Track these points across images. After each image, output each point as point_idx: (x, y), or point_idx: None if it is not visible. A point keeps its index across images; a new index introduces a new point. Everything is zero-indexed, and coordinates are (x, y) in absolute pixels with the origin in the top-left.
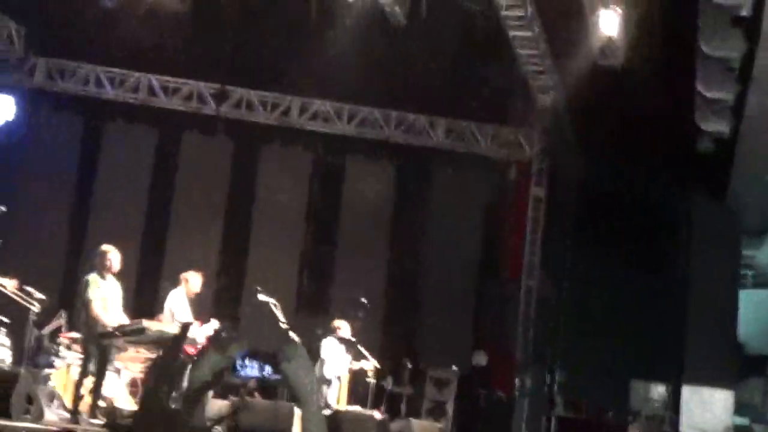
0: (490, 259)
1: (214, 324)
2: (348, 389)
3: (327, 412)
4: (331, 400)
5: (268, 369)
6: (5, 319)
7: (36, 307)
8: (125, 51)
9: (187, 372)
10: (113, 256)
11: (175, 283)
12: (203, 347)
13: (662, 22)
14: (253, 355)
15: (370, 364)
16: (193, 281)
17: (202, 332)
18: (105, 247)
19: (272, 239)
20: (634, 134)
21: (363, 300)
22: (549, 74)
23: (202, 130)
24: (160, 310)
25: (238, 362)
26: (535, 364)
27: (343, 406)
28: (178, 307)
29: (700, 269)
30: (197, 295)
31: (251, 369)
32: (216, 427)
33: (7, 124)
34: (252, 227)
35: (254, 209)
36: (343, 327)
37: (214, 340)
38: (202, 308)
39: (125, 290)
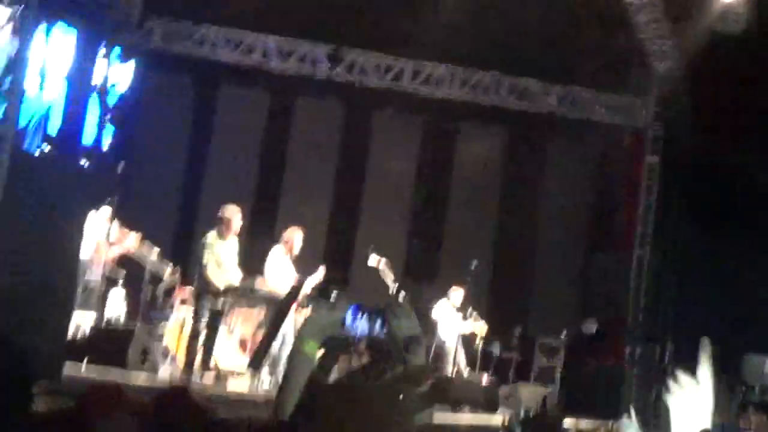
0: (602, 228)
1: (321, 271)
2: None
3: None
4: (446, 363)
5: (377, 325)
6: (121, 273)
7: (171, 274)
8: (241, 11)
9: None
10: (234, 216)
11: (278, 240)
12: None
13: None
14: (363, 310)
15: (480, 327)
16: (294, 238)
17: (309, 282)
18: (225, 207)
19: (383, 203)
20: (755, 104)
21: (473, 264)
22: (666, 41)
23: (314, 94)
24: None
25: (349, 317)
26: (645, 334)
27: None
28: (277, 265)
29: None
30: (304, 254)
31: (361, 324)
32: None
33: (129, 89)
34: (363, 191)
35: (365, 173)
36: (456, 291)
37: (321, 293)
38: (311, 268)
39: (240, 248)
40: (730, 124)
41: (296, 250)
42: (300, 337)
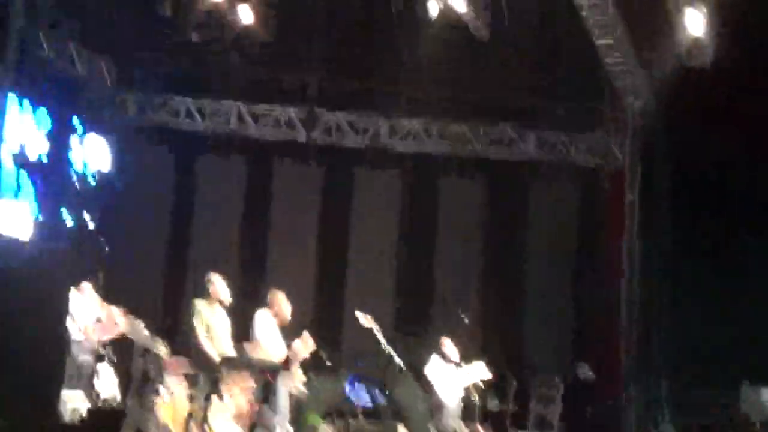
0: (589, 268)
1: (306, 336)
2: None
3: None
4: (451, 422)
5: (377, 393)
6: (111, 354)
7: (161, 350)
8: (214, 81)
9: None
10: (220, 285)
11: (264, 304)
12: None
13: (750, 18)
14: (362, 379)
15: (479, 372)
16: (278, 302)
17: (297, 346)
18: (211, 275)
19: (368, 260)
20: (729, 133)
21: (462, 315)
22: (636, 78)
23: (293, 156)
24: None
25: (348, 387)
26: (640, 372)
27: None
28: (265, 331)
29: None
30: (293, 318)
31: (361, 394)
32: None
33: (102, 161)
34: (348, 250)
35: (349, 232)
36: (447, 343)
37: (315, 360)
38: (300, 332)
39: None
40: (709, 154)
41: (283, 314)
42: (302, 409)
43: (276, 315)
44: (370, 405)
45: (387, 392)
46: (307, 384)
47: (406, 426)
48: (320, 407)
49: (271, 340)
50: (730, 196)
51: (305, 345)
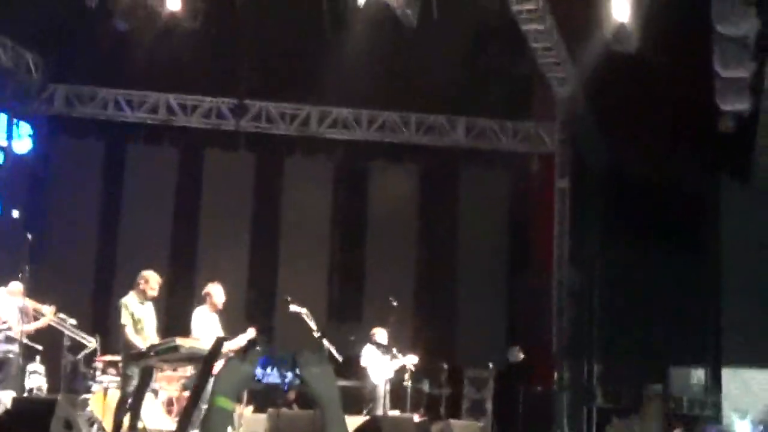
0: (520, 254)
1: (250, 333)
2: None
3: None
4: (381, 407)
5: (289, 375)
6: (38, 347)
7: (90, 343)
8: (142, 72)
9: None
10: (152, 281)
11: (200, 300)
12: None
13: (674, 3)
14: (274, 361)
15: (410, 360)
16: (214, 294)
17: (236, 343)
18: (145, 272)
19: (300, 249)
20: (656, 119)
21: (393, 302)
22: (565, 65)
23: (223, 146)
24: (191, 329)
25: (259, 369)
26: (571, 356)
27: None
28: (203, 325)
29: (733, 249)
30: (227, 308)
31: (272, 375)
32: None
33: (29, 152)
34: (280, 238)
35: (281, 221)
36: (379, 332)
37: (238, 350)
38: (234, 322)
39: (157, 311)
40: (636, 140)
41: (219, 305)
42: (214, 393)
43: (213, 307)
44: (282, 386)
45: (299, 374)
46: (220, 370)
47: (319, 409)
48: (231, 390)
49: (211, 332)
50: (658, 181)
51: (244, 339)
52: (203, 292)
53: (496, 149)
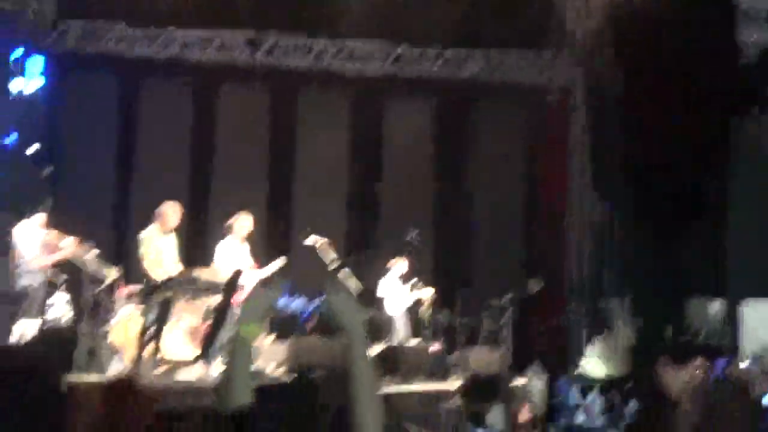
0: (537, 187)
1: (280, 261)
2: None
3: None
4: (398, 337)
5: (313, 302)
6: (62, 277)
7: (111, 274)
8: (155, 7)
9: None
10: (170, 211)
11: (225, 230)
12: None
13: None
14: (298, 288)
15: (427, 293)
16: (239, 224)
17: (266, 272)
18: (163, 204)
19: (317, 181)
20: (674, 53)
21: (413, 233)
22: None
23: (238, 80)
24: (210, 261)
25: (284, 297)
26: (588, 288)
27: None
28: (227, 256)
29: (751, 179)
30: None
31: (296, 302)
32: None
33: (44, 88)
34: (296, 171)
35: (297, 154)
36: (397, 263)
37: (265, 279)
38: (252, 254)
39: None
40: (654, 73)
41: (245, 235)
42: (238, 322)
43: (240, 238)
44: (305, 314)
45: (323, 302)
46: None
47: (340, 337)
48: (256, 317)
49: (238, 263)
50: (678, 113)
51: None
52: (229, 222)
53: (513, 82)
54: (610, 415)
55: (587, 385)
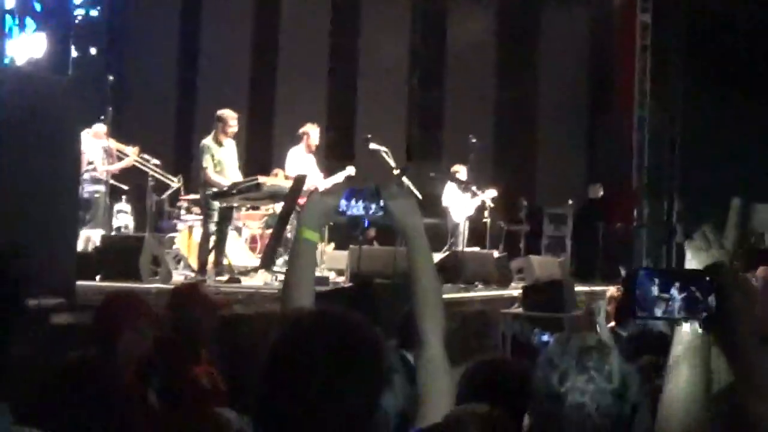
0: (601, 92)
1: (349, 170)
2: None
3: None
4: (461, 243)
5: (373, 206)
6: (124, 187)
7: (171, 181)
8: None
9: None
10: (230, 119)
11: (295, 140)
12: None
13: None
14: (358, 193)
15: (490, 194)
16: (312, 133)
17: (334, 180)
18: (221, 112)
19: (379, 88)
20: None
21: (473, 140)
22: None
23: None
24: (273, 167)
25: (343, 202)
26: (652, 194)
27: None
28: (298, 165)
29: None
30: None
31: (356, 208)
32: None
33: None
34: (358, 78)
35: (359, 59)
36: (460, 169)
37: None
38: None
39: (238, 151)
40: None
41: (315, 146)
42: (299, 225)
43: (308, 148)
44: (364, 218)
45: (383, 206)
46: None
47: (401, 243)
48: (316, 221)
49: (307, 172)
50: (745, 17)
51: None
52: (300, 131)
53: None
54: (689, 309)
55: (668, 279)
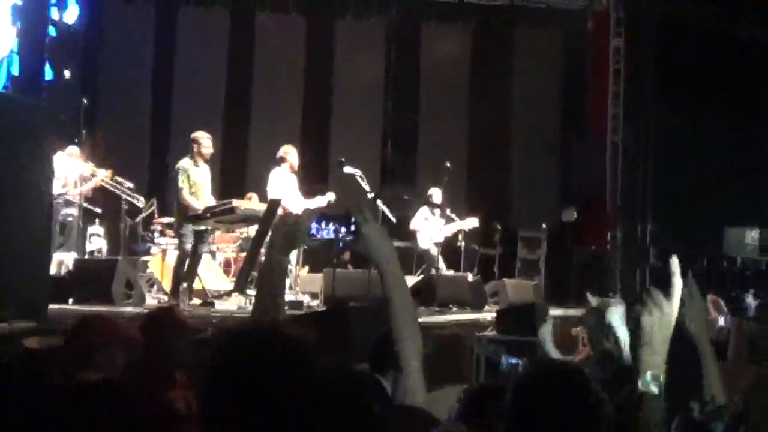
0: (574, 115)
1: (330, 196)
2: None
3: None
4: (435, 268)
5: (343, 230)
6: (98, 210)
7: (140, 202)
8: None
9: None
10: (205, 140)
11: (276, 161)
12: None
13: None
14: (328, 217)
15: (471, 223)
16: (292, 155)
17: (315, 203)
18: (196, 134)
19: (353, 111)
20: None
21: (447, 164)
22: None
23: (274, 7)
24: (248, 189)
25: (314, 225)
26: (625, 216)
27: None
28: (281, 186)
29: None
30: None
31: (326, 231)
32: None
33: (79, 20)
34: (332, 100)
35: (333, 82)
36: (434, 193)
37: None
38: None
39: (213, 173)
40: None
41: (296, 166)
42: (269, 248)
43: (290, 168)
44: (337, 245)
45: (354, 231)
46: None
47: (374, 267)
48: (287, 247)
49: (290, 193)
50: (716, 39)
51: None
52: (280, 154)
53: (551, 7)
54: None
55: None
